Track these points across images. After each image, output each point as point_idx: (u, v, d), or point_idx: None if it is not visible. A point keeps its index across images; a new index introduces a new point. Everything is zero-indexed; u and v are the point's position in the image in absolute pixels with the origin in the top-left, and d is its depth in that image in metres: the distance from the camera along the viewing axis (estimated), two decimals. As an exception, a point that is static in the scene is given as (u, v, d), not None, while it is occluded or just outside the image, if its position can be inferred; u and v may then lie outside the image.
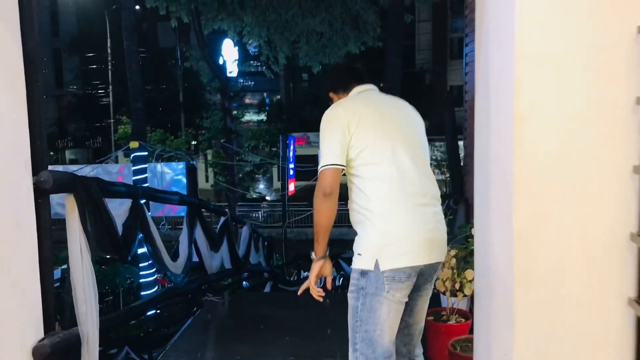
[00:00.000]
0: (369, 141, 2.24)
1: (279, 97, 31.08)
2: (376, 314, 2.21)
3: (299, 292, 2.43)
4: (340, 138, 2.24)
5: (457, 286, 3.78)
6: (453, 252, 3.81)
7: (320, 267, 2.32)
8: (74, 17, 27.95)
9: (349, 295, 2.29)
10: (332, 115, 2.32)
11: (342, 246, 10.18)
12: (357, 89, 2.49)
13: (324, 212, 2.22)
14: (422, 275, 2.31)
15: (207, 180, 22.58)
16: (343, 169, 2.25)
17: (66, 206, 2.67)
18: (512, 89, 1.63)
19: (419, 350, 2.52)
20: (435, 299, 4.23)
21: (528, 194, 1.64)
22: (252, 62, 21.62)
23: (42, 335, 2.36)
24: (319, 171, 2.25)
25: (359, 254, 2.25)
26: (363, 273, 2.22)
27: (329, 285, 2.41)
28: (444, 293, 3.88)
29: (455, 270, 3.80)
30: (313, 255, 2.33)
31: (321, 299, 2.36)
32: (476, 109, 2.15)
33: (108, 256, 3.00)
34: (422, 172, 2.32)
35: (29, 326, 2.19)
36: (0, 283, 1.95)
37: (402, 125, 2.36)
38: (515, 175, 1.64)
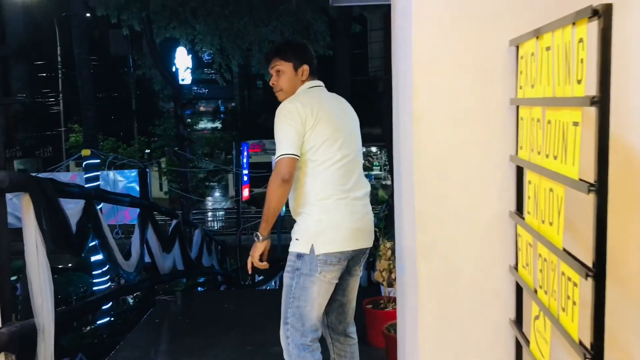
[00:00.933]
0: (320, 141, 2.49)
1: (233, 104, 31.16)
2: (308, 292, 2.50)
3: (249, 271, 2.69)
4: (299, 130, 2.45)
5: (393, 276, 4.09)
6: (389, 245, 4.11)
7: (265, 246, 2.56)
8: (22, 24, 27.35)
9: (285, 275, 2.57)
10: (292, 108, 2.48)
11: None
12: (311, 83, 2.69)
13: (279, 197, 2.43)
14: (352, 259, 2.61)
15: (161, 188, 22.44)
16: (298, 160, 2.46)
17: (22, 204, 2.85)
18: (411, 92, 1.94)
19: (352, 328, 2.81)
20: (374, 289, 4.55)
21: (426, 180, 1.96)
22: (205, 69, 21.69)
23: (-1, 324, 2.54)
24: (278, 158, 2.42)
25: (296, 239, 2.54)
26: (299, 256, 2.51)
27: (264, 259, 2.60)
28: (381, 283, 4.19)
29: (391, 262, 4.11)
30: (258, 235, 2.54)
31: (267, 266, 2.59)
32: (393, 112, 2.48)
33: (63, 252, 3.18)
34: (358, 170, 2.63)
35: (-12, 315, 2.37)
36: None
37: (346, 128, 2.61)
38: (414, 165, 1.95)
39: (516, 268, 1.92)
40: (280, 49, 2.72)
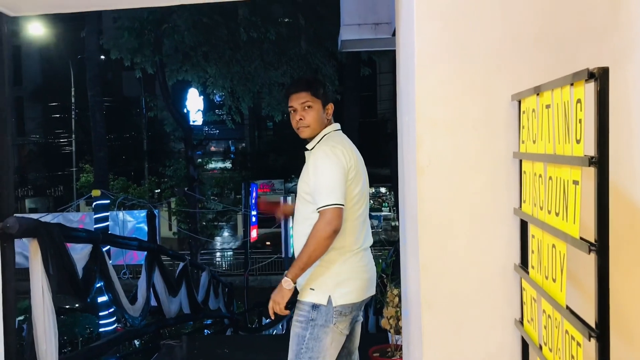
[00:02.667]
0: (352, 194, 2.47)
1: (243, 145, 31.47)
2: (321, 343, 2.47)
3: (272, 317, 2.62)
4: (345, 179, 2.41)
5: (400, 324, 4.04)
6: (396, 292, 4.08)
7: (291, 293, 2.45)
8: (38, 65, 28.02)
9: (296, 324, 2.52)
10: (340, 154, 2.42)
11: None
12: (336, 126, 2.61)
13: (324, 247, 2.35)
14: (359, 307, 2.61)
15: (170, 229, 22.44)
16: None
17: (30, 250, 2.88)
18: (414, 144, 1.97)
19: None
20: (381, 336, 4.48)
21: (430, 231, 1.96)
22: (217, 110, 21.99)
23: (3, 371, 2.53)
24: (329, 207, 2.33)
25: (311, 289, 2.49)
26: (315, 306, 2.48)
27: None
28: (389, 331, 4.13)
29: (398, 309, 4.06)
30: (288, 280, 2.40)
31: (289, 312, 2.54)
32: (398, 162, 2.50)
33: (68, 296, 3.18)
34: (368, 221, 2.66)
35: (-8, 362, 2.36)
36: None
37: (365, 180, 2.61)
38: (419, 216, 1.96)
39: (521, 322, 1.90)
40: (312, 84, 2.58)
